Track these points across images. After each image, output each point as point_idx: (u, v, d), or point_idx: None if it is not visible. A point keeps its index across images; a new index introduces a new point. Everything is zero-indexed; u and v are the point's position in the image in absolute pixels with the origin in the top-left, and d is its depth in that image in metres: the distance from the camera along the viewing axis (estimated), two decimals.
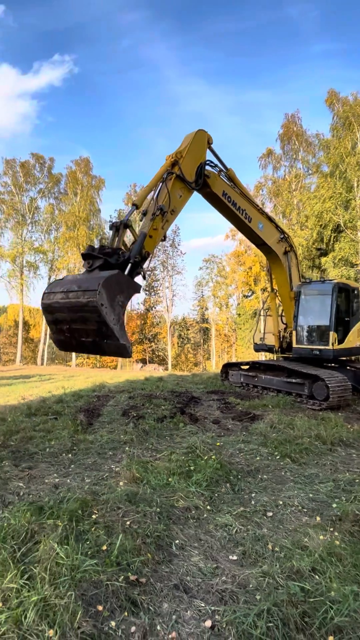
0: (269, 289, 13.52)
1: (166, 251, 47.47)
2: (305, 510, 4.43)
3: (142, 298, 51.24)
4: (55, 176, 40.56)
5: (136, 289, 6.40)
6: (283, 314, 12.73)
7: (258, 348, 13.54)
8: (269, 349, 12.95)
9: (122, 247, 6.98)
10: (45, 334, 44.16)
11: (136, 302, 52.09)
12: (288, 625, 2.65)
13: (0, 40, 72.33)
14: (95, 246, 6.78)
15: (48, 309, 6.54)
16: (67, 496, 4.38)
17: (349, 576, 3.15)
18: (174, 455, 5.86)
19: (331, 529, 3.94)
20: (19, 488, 4.86)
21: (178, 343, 57.27)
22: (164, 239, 8.08)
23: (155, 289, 51.38)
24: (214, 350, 55.17)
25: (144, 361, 47.98)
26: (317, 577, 3.13)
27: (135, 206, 7.44)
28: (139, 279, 6.98)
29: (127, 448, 6.52)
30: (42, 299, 6.64)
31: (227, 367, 14.29)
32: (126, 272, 6.57)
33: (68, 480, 5.13)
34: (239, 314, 49.60)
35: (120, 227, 7.03)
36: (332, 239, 29.26)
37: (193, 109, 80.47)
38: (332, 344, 10.63)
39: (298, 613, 2.72)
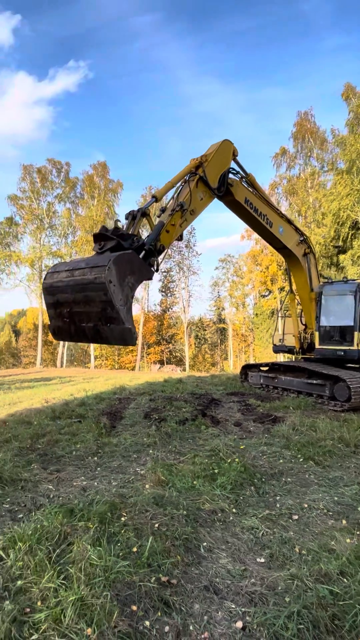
0: (286, 289, 13.49)
1: (182, 252, 47.64)
2: (330, 513, 4.46)
3: (158, 299, 51.55)
4: (71, 180, 41.19)
5: (149, 273, 6.08)
6: (302, 315, 12.69)
7: (277, 349, 13.51)
8: (289, 350, 12.91)
9: (137, 234, 6.70)
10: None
11: (153, 303, 52.44)
12: (318, 628, 2.70)
13: (17, 49, 73.80)
14: (109, 228, 6.62)
15: (49, 289, 6.10)
16: (95, 499, 4.51)
17: None
18: (198, 458, 5.94)
19: (358, 532, 3.96)
20: (48, 491, 5.02)
21: (195, 344, 57.35)
22: (180, 238, 7.93)
23: (171, 290, 51.61)
24: (231, 350, 55.04)
25: (161, 362, 48.24)
26: (345, 580, 3.17)
27: (155, 198, 7.29)
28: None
29: (150, 451, 6.63)
30: (45, 278, 6.22)
31: (247, 368, 14.30)
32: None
33: (95, 483, 5.27)
34: (257, 314, 49.36)
35: (137, 215, 6.82)
36: (350, 236, 28.89)
37: (206, 109, 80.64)
38: (357, 344, 10.54)
39: (328, 616, 2.77)
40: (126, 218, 6.90)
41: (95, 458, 6.36)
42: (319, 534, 3.97)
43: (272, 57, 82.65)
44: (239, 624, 2.81)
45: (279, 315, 14.36)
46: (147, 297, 48.42)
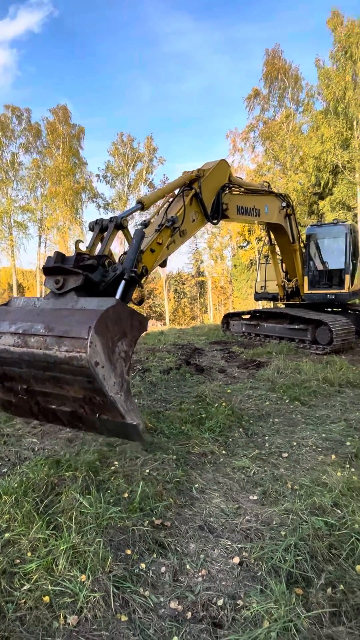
0: (265, 239, 13.13)
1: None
2: (320, 449, 4.48)
3: None
4: (33, 127, 38.32)
5: (144, 325, 4.01)
6: (283, 263, 12.48)
7: (260, 297, 13.42)
8: (273, 297, 12.83)
9: (109, 256, 4.70)
10: (41, 295, 43.82)
11: None
12: (316, 558, 2.69)
13: None
14: (68, 252, 4.53)
15: None
16: (82, 449, 4.39)
17: None
18: (184, 404, 5.88)
19: (347, 466, 3.99)
20: (33, 444, 4.87)
21: (174, 298, 57.17)
22: (164, 264, 6.18)
23: None
24: (211, 303, 55.19)
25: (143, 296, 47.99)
26: (339, 511, 3.17)
27: (141, 205, 5.47)
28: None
29: (136, 400, 6.51)
30: None
31: (228, 317, 14.24)
32: (118, 295, 4.25)
33: (81, 434, 5.13)
34: (235, 265, 49.12)
35: (109, 226, 4.82)
36: (329, 181, 28.31)
37: (178, 49, 74.75)
38: (348, 287, 10.49)
39: (325, 546, 2.76)
40: (91, 228, 5.00)
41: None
42: (310, 469, 3.98)
43: None
44: (236, 560, 2.78)
45: (260, 263, 14.13)
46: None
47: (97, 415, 3.69)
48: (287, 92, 32.12)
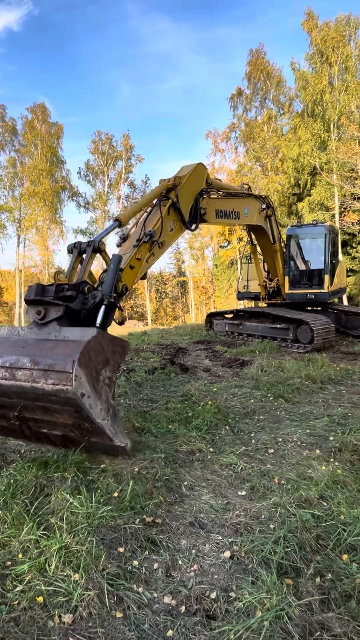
0: (246, 239, 13.30)
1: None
2: (304, 444, 4.59)
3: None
4: (8, 124, 37.57)
5: (125, 349, 4.22)
6: (265, 263, 12.67)
7: (242, 296, 13.58)
8: (255, 297, 13.00)
9: (88, 280, 4.84)
10: (20, 297, 43.06)
11: None
12: (304, 549, 2.76)
13: None
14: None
15: None
16: (71, 449, 4.36)
17: (356, 500, 3.30)
18: (171, 403, 5.91)
19: (332, 460, 4.10)
20: (19, 446, 4.81)
21: (156, 298, 57.11)
22: (145, 276, 6.19)
23: None
24: (193, 303, 55.36)
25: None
26: (325, 504, 3.27)
27: (119, 222, 5.62)
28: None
29: (122, 400, 6.52)
30: None
31: (212, 316, 14.35)
32: (98, 321, 4.40)
33: None
34: (216, 265, 49.39)
35: (87, 250, 5.03)
36: (308, 182, 28.81)
37: (158, 49, 74.65)
38: (328, 287, 10.71)
39: (312, 537, 2.84)
40: (69, 252, 5.20)
41: None
42: (296, 464, 4.08)
43: None
44: (227, 554, 2.83)
45: (242, 262, 14.30)
46: None
47: (87, 438, 3.96)
48: (269, 94, 32.53)
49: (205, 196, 7.79)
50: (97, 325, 4.35)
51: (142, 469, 3.86)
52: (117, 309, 4.77)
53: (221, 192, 8.66)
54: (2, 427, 4.42)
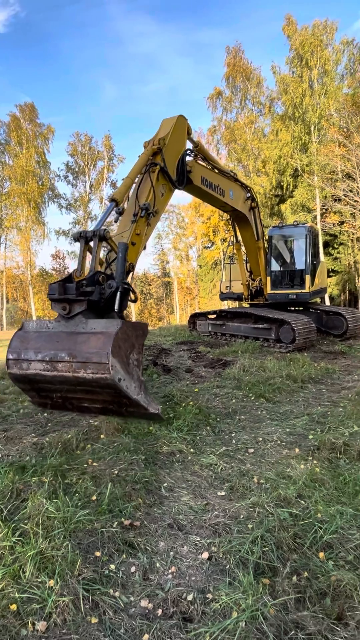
0: (229, 239, 13.40)
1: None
2: (284, 443, 4.62)
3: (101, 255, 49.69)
4: None
5: (145, 330, 4.96)
6: (248, 263, 12.76)
7: (225, 297, 13.63)
8: (238, 297, 13.06)
9: (99, 268, 5.35)
10: (2, 298, 42.38)
11: None
12: (282, 548, 2.78)
13: None
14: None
15: (23, 380, 4.98)
16: (49, 453, 4.30)
17: (333, 498, 3.33)
18: None
19: (310, 458, 4.14)
20: None
21: (141, 299, 56.89)
22: (144, 248, 6.53)
23: None
24: (177, 303, 55.37)
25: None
26: (303, 502, 3.29)
27: (115, 202, 5.87)
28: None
29: None
30: (10, 367, 4.92)
31: (195, 317, 14.36)
32: (116, 307, 5.06)
33: (47, 439, 5.03)
34: (200, 266, 49.52)
35: (94, 240, 5.30)
36: (290, 184, 29.13)
37: (142, 50, 74.55)
38: (309, 287, 10.82)
39: (290, 536, 2.86)
40: (76, 240, 5.48)
41: (45, 414, 6.07)
42: (275, 463, 4.10)
43: None
44: (205, 555, 2.82)
45: (225, 263, 14.37)
46: None
47: (125, 409, 4.80)
48: (249, 95, 32.68)
49: (192, 157, 8.12)
50: (116, 310, 5.04)
51: (122, 471, 3.83)
52: (131, 292, 5.35)
53: (208, 164, 8.93)
54: (47, 404, 5.37)
